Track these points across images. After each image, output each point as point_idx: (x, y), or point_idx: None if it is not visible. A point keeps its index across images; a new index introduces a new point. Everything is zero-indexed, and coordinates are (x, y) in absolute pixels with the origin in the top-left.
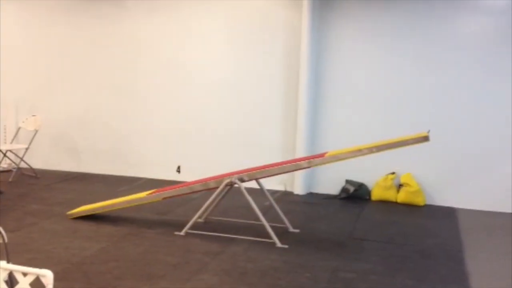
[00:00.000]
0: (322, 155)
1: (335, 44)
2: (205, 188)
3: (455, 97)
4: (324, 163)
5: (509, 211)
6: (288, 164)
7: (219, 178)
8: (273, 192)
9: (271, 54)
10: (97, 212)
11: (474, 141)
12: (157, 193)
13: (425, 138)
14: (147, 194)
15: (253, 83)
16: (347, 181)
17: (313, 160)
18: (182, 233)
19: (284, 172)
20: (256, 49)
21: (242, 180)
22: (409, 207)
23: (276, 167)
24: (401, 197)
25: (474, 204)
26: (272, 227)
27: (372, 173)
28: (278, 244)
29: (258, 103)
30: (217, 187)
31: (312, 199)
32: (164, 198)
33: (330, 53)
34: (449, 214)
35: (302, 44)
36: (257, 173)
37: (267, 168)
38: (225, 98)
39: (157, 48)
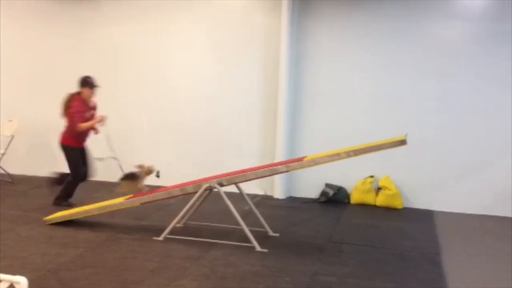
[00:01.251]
0: (300, 159)
1: (313, 49)
2: (184, 193)
3: (432, 101)
4: (302, 168)
5: (485, 213)
6: (267, 168)
7: (197, 183)
8: (253, 196)
9: (250, 60)
10: (74, 218)
11: (451, 145)
12: (135, 198)
13: (403, 142)
14: (125, 199)
15: (232, 89)
16: (327, 185)
17: (291, 165)
18: (161, 238)
19: (263, 177)
20: (235, 55)
21: (221, 185)
22: (388, 210)
23: (255, 171)
24: (380, 200)
25: (451, 206)
26: (252, 232)
27: (351, 177)
28: (258, 249)
29: (237, 108)
30: (196, 192)
31: (292, 203)
32: (142, 203)
33: (309, 58)
34: (426, 216)
35: (281, 49)
36: (236, 178)
37: (246, 173)
38: (204, 104)
39: (136, 54)
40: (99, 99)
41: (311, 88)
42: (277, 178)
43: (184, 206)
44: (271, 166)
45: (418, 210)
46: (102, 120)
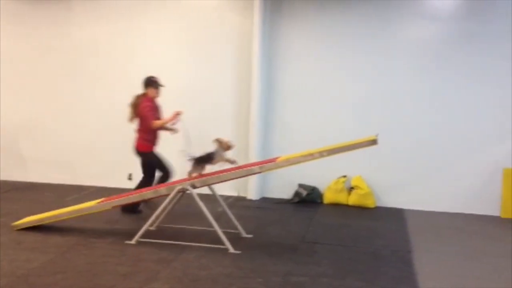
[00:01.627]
0: (274, 160)
1: (285, 48)
2: (157, 195)
3: (403, 101)
4: (276, 168)
5: (454, 211)
6: (240, 169)
7: (170, 185)
8: (226, 198)
9: (223, 59)
10: (44, 222)
11: (421, 144)
12: (107, 201)
13: (374, 142)
14: (96, 203)
15: (205, 88)
16: (300, 185)
17: (265, 165)
18: (133, 241)
19: (236, 178)
20: (208, 54)
21: (194, 187)
22: (360, 209)
23: (228, 172)
24: (352, 199)
25: (422, 205)
26: (225, 233)
27: (324, 177)
28: (231, 250)
29: (210, 108)
30: (168, 194)
31: (265, 204)
32: (115, 207)
33: (281, 57)
34: (398, 215)
35: (254, 48)
36: (209, 179)
37: (219, 174)
38: (177, 104)
39: (106, 53)
40: (67, 99)
41: (283, 87)
42: (251, 179)
43: (157, 209)
44: (245, 167)
45: (390, 209)
46: (177, 116)
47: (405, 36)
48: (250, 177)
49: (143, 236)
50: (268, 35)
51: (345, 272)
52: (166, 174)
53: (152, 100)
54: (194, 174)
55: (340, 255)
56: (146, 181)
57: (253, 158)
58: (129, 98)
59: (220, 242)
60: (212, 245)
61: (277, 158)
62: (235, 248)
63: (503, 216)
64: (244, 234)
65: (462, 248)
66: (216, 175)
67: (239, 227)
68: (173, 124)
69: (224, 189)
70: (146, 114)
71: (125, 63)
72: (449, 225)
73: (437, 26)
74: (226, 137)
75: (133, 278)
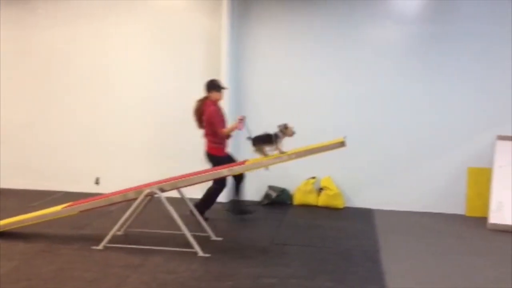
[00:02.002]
0: (242, 163)
1: (254, 49)
2: (124, 199)
3: (372, 102)
4: (245, 171)
5: (421, 210)
6: (209, 173)
7: (138, 189)
8: (196, 201)
9: (191, 63)
10: (7, 228)
11: (389, 145)
12: (74, 206)
13: (342, 144)
14: (62, 208)
15: (173, 92)
16: (269, 187)
17: (233, 168)
18: (100, 247)
19: (204, 181)
20: (175, 59)
21: (163, 190)
22: (329, 210)
23: (196, 176)
24: (322, 200)
25: (390, 205)
26: (194, 236)
27: (294, 178)
28: (200, 253)
29: (178, 112)
30: (136, 198)
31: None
32: (81, 212)
33: (250, 59)
34: (366, 215)
35: (222, 51)
36: (177, 183)
37: (187, 177)
38: (144, 108)
39: (73, 57)
40: (31, 102)
41: (252, 88)
42: None
43: (124, 213)
44: (213, 170)
45: (359, 209)
46: (242, 121)
47: (372, 37)
48: None
49: (110, 241)
50: (236, 37)
51: (314, 272)
52: (224, 185)
53: (216, 104)
54: (258, 155)
55: (310, 256)
56: (217, 187)
57: None
58: (93, 103)
59: (189, 245)
60: (181, 249)
61: (245, 161)
62: (205, 251)
63: (468, 214)
64: (214, 237)
65: (429, 246)
66: (184, 178)
67: (209, 230)
68: (239, 129)
69: (194, 192)
70: (213, 120)
71: (93, 66)
72: (416, 224)
73: (403, 27)
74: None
75: (100, 284)
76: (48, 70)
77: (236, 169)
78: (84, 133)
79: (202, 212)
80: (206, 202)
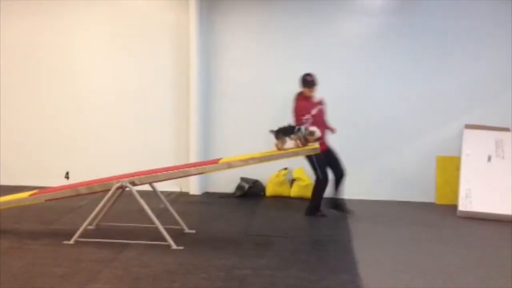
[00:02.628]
0: (215, 161)
1: (224, 42)
2: (91, 191)
3: (341, 94)
4: (216, 170)
5: (392, 199)
6: (179, 170)
7: (107, 181)
8: (169, 194)
9: (160, 57)
10: None
11: (359, 136)
12: (40, 194)
13: (315, 150)
14: (29, 195)
15: (142, 87)
16: (242, 179)
17: (205, 167)
18: (71, 241)
19: (175, 178)
20: (144, 53)
21: (134, 184)
22: (302, 201)
23: (166, 172)
24: (294, 191)
25: (361, 194)
26: (167, 229)
27: (266, 170)
28: (174, 246)
29: (148, 107)
30: (105, 190)
31: (208, 198)
32: (48, 200)
33: (219, 53)
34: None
35: (191, 46)
36: (148, 178)
37: (158, 174)
38: (114, 103)
39: (42, 53)
40: (9, 98)
41: (222, 85)
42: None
43: (95, 207)
44: (185, 167)
45: (331, 200)
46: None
47: (339, 30)
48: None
49: (81, 235)
50: (205, 29)
51: (287, 263)
52: (325, 180)
53: (307, 99)
54: (280, 146)
55: (283, 246)
56: (320, 181)
57: (195, 153)
58: (62, 99)
59: (162, 239)
60: (154, 242)
61: (218, 159)
62: (178, 244)
63: (438, 202)
64: (187, 230)
65: (400, 234)
66: (155, 174)
67: (182, 223)
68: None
69: (166, 185)
70: (296, 115)
71: (60, 63)
72: (387, 213)
73: (373, 19)
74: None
75: (71, 280)
76: (15, 64)
77: (206, 168)
78: (52, 127)
79: (314, 213)
80: (314, 202)
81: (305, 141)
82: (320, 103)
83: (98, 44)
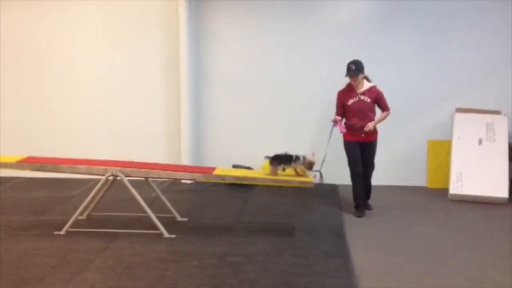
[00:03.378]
0: (211, 170)
1: (214, 30)
2: (76, 171)
3: (332, 84)
4: (207, 181)
5: (384, 183)
6: (171, 171)
7: (103, 165)
8: (160, 182)
9: (149, 47)
10: None
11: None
12: (28, 162)
13: (309, 183)
14: (16, 161)
15: (132, 76)
16: (234, 166)
17: (197, 175)
18: (63, 232)
19: (166, 179)
20: (133, 42)
21: (126, 174)
22: (294, 187)
23: (156, 170)
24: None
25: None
26: (159, 218)
27: (258, 157)
28: (166, 235)
29: (139, 96)
30: (97, 175)
31: (200, 186)
32: (34, 170)
33: (210, 40)
34: (331, 190)
35: (181, 31)
36: (139, 172)
37: (149, 170)
38: (104, 90)
39: (27, 41)
40: None
41: (213, 72)
42: (185, 163)
43: (86, 198)
44: (178, 170)
45: (323, 185)
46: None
47: (333, 14)
48: (184, 159)
49: (73, 226)
50: (194, 17)
51: (280, 249)
52: (355, 174)
53: (344, 91)
54: (273, 174)
55: (275, 233)
56: (351, 174)
57: (186, 141)
58: (48, 88)
59: (154, 227)
60: (146, 231)
61: (213, 168)
62: (170, 233)
63: (429, 186)
64: (179, 218)
65: (392, 218)
66: (145, 169)
67: (174, 211)
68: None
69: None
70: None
71: (47, 49)
72: (379, 197)
73: (362, 4)
74: (315, 157)
75: (63, 270)
76: None
77: (195, 176)
78: (40, 114)
79: (358, 206)
80: (354, 196)
81: (302, 171)
82: (363, 93)
83: (86, 34)
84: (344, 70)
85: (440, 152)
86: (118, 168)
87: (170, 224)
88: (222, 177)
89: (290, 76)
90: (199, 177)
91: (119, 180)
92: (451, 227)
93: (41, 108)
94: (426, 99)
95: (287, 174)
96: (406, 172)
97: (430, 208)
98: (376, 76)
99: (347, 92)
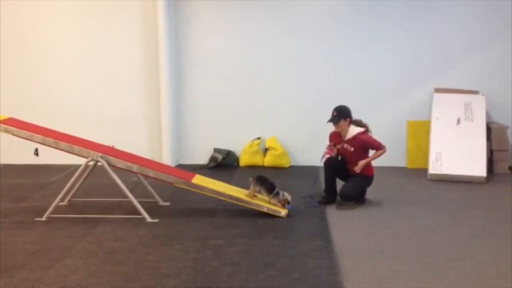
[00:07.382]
0: (191, 176)
1: (193, 12)
2: (57, 146)
3: (312, 63)
4: (188, 188)
5: None
6: (152, 170)
7: (87, 148)
8: None
9: (128, 31)
10: None
11: (331, 103)
12: (7, 126)
13: (281, 214)
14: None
15: (111, 61)
16: (215, 150)
17: (178, 181)
18: (44, 218)
19: (146, 176)
20: (110, 26)
21: (108, 162)
22: (276, 170)
23: (140, 166)
24: (268, 160)
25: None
26: (142, 203)
27: (239, 140)
28: (148, 219)
29: (118, 81)
30: (79, 155)
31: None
32: (14, 135)
33: (189, 22)
34: (311, 173)
35: (158, 14)
36: (120, 163)
37: (132, 164)
38: (82, 77)
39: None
40: None
41: (192, 54)
42: (166, 146)
43: (67, 184)
44: (160, 169)
45: (304, 167)
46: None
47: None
48: (165, 145)
49: (54, 212)
50: (173, 4)
51: (261, 231)
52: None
53: (335, 134)
54: (251, 195)
55: (257, 215)
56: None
57: (166, 124)
58: (30, 74)
59: (136, 212)
60: (128, 216)
61: (193, 175)
62: (152, 217)
63: (409, 166)
64: (161, 202)
65: (372, 198)
66: (127, 161)
67: (156, 195)
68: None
69: None
70: None
71: (24, 31)
72: None
73: None
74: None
75: (44, 256)
76: None
77: (177, 181)
78: (19, 102)
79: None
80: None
81: (273, 205)
82: (347, 141)
83: (61, 19)
84: (326, 51)
85: (419, 132)
86: (100, 154)
87: (152, 208)
88: (201, 187)
89: (271, 58)
90: (179, 182)
91: (99, 165)
92: (431, 206)
93: (15, 92)
94: (405, 80)
95: (263, 199)
96: (386, 152)
97: (410, 187)
98: (352, 56)
99: (336, 135)
